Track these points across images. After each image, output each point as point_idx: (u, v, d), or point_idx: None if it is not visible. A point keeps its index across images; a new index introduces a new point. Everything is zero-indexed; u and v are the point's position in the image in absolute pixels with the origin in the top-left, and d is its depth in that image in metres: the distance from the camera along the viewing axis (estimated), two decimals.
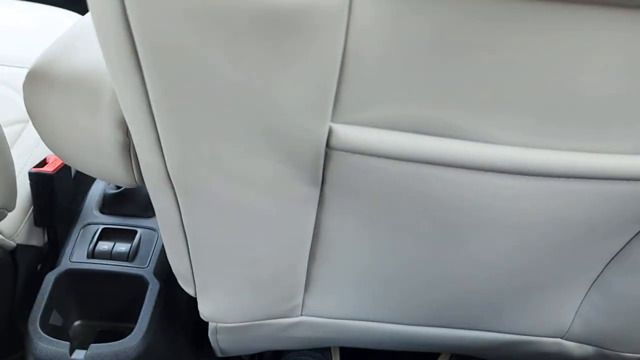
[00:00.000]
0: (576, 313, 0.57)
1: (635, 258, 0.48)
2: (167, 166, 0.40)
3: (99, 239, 0.66)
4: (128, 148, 0.42)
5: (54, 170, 0.63)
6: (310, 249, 0.50)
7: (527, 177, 0.37)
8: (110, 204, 0.69)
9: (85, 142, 0.42)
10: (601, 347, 0.60)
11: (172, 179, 0.41)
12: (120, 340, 0.58)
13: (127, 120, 0.37)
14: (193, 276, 0.52)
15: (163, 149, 0.38)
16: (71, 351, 0.57)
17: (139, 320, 0.59)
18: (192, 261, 0.50)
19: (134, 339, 0.58)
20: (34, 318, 0.59)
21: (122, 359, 0.57)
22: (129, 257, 0.64)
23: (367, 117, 0.34)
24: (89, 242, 0.65)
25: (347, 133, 0.35)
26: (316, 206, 0.45)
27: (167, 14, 0.28)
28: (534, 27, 0.29)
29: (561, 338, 0.60)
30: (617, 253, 0.49)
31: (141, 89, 0.33)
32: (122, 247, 0.65)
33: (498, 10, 0.28)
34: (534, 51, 0.30)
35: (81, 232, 0.67)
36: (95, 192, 0.71)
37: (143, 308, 0.60)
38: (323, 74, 0.30)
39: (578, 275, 0.52)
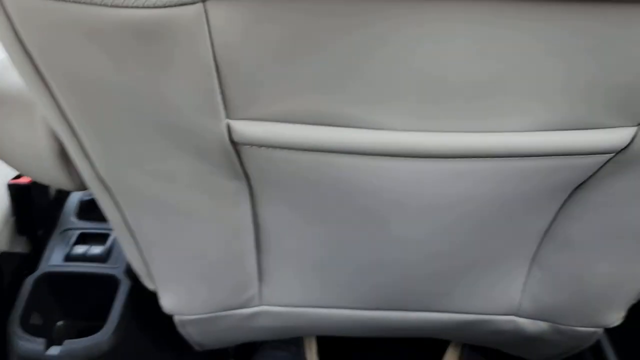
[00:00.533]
0: (523, 290, 0.58)
1: (565, 233, 0.50)
2: (96, 170, 0.44)
3: (75, 243, 0.70)
4: (65, 155, 0.45)
5: (30, 181, 0.68)
6: (255, 239, 0.53)
7: (423, 159, 0.39)
8: (86, 210, 0.74)
9: (28, 151, 0.46)
10: (554, 322, 0.61)
11: (104, 181, 0.45)
12: (92, 336, 0.62)
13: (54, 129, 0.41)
14: (149, 271, 0.56)
15: (88, 154, 0.42)
16: (47, 347, 0.61)
17: (109, 317, 0.63)
18: (144, 257, 0.54)
19: (105, 334, 0.62)
20: (14, 319, 0.63)
21: (94, 353, 0.61)
22: (102, 258, 0.68)
23: (260, 113, 0.37)
24: (65, 246, 0.69)
25: (245, 128, 0.38)
26: (249, 199, 0.48)
27: (52, 36, 0.31)
28: (386, 19, 0.31)
29: (514, 315, 0.61)
30: (548, 229, 0.51)
31: (53, 103, 0.37)
32: (97, 249, 0.69)
33: (347, 7, 0.31)
34: (392, 42, 0.32)
35: (59, 237, 0.71)
36: (73, 200, 0.76)
37: (114, 305, 0.64)
38: (201, 76, 0.33)
39: (515, 253, 0.54)
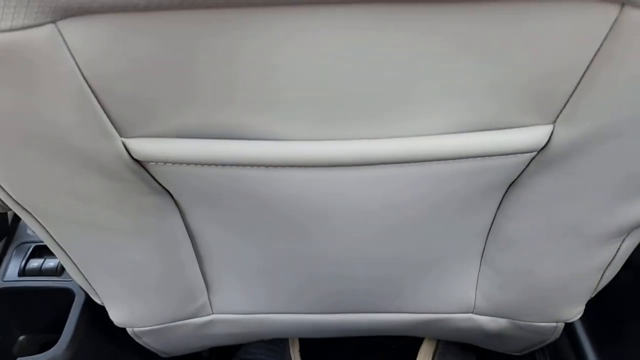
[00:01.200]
0: (476, 288, 0.57)
1: (506, 232, 0.48)
2: (11, 195, 0.42)
3: (30, 256, 0.69)
4: None
5: None
6: (195, 251, 0.52)
7: (333, 168, 0.38)
8: None
9: None
10: (512, 319, 0.59)
11: (22, 205, 0.44)
12: (46, 351, 0.61)
13: None
14: (92, 286, 0.55)
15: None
16: None
17: (63, 331, 0.62)
18: (82, 273, 0.53)
19: (58, 350, 0.61)
20: None
21: None
22: (57, 271, 0.67)
23: (155, 129, 0.36)
24: (21, 260, 0.69)
25: (143, 146, 0.36)
26: (177, 212, 0.47)
27: None
28: (254, 22, 0.29)
29: (471, 313, 0.60)
30: (490, 230, 0.49)
31: None
32: (51, 262, 0.68)
33: (211, 14, 0.29)
34: (267, 48, 0.30)
35: (14, 251, 0.70)
36: None
37: (68, 319, 0.63)
38: (76, 97, 0.32)
39: (461, 253, 0.52)
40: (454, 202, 0.43)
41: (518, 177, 0.41)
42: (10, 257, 0.70)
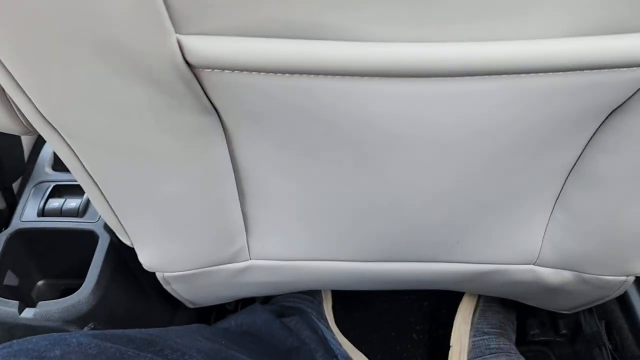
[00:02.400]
0: (544, 236, 0.52)
1: (594, 170, 0.43)
2: (39, 109, 0.37)
3: (50, 196, 0.64)
4: (3, 93, 0.39)
5: None
6: (237, 185, 0.46)
7: (422, 79, 0.32)
8: (61, 160, 0.67)
9: None
10: (578, 271, 0.54)
11: (50, 122, 0.38)
12: (69, 296, 0.56)
13: None
14: (122, 225, 0.50)
15: (24, 90, 0.35)
16: (20, 310, 0.56)
17: (87, 275, 0.58)
18: (113, 209, 0.48)
19: (82, 294, 0.56)
20: None
21: (72, 314, 0.56)
22: (79, 212, 0.62)
23: (218, 25, 0.30)
24: (39, 200, 0.64)
25: (201, 46, 0.30)
26: (223, 137, 0.41)
27: None
28: None
29: (533, 264, 0.55)
30: (574, 165, 0.43)
31: None
32: (73, 202, 0.63)
33: None
34: None
35: (33, 190, 0.65)
36: (48, 149, 0.70)
37: (92, 262, 0.59)
38: None
39: (536, 194, 0.47)
40: (545, 129, 0.38)
41: (628, 100, 0.35)
42: (28, 196, 0.65)
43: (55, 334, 0.36)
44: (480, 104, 0.34)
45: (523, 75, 0.32)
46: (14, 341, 0.34)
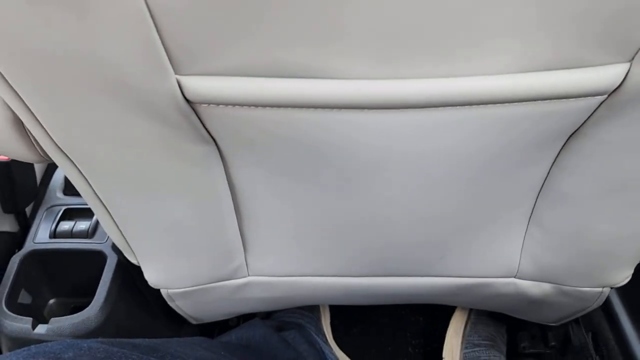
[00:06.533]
0: (522, 251, 0.55)
1: (560, 188, 0.47)
2: (53, 139, 0.41)
3: (61, 219, 0.68)
4: (21, 124, 0.43)
5: (9, 158, 0.66)
6: (235, 207, 0.50)
7: (396, 111, 0.36)
8: (71, 185, 0.71)
9: None
10: (557, 284, 0.58)
11: (63, 151, 0.42)
12: (79, 312, 0.60)
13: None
14: (129, 245, 0.54)
15: (41, 123, 0.39)
16: (34, 326, 0.59)
17: (97, 293, 0.61)
18: (121, 230, 0.52)
19: (91, 311, 0.60)
20: (1, 298, 0.62)
21: (82, 330, 0.59)
22: (88, 234, 0.66)
23: (213, 66, 0.34)
24: (51, 223, 0.68)
25: (198, 85, 0.35)
26: (221, 164, 0.45)
27: None
28: None
29: (514, 277, 0.58)
30: (543, 185, 0.47)
31: None
32: (82, 225, 0.67)
33: None
34: None
35: (45, 214, 0.69)
36: (59, 175, 0.74)
37: (101, 281, 0.62)
38: (134, 24, 0.30)
39: (510, 211, 0.50)
40: (513, 152, 0.42)
41: (582, 125, 0.39)
42: (41, 220, 0.69)
43: (67, 339, 0.40)
44: (447, 133, 0.38)
45: (488, 105, 0.36)
46: (32, 346, 0.38)
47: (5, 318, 0.60)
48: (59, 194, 0.72)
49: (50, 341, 0.57)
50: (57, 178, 0.74)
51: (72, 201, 0.71)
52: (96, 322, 0.60)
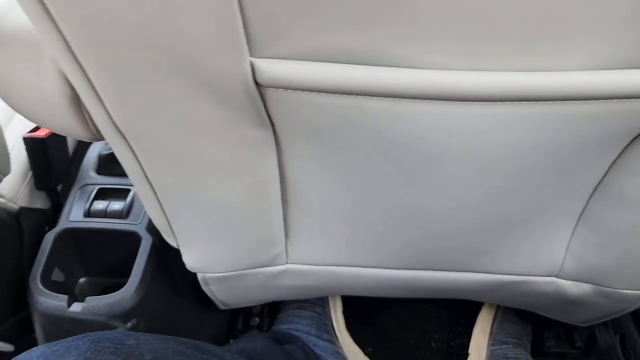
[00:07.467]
0: (567, 250, 0.54)
1: (618, 190, 0.46)
2: (112, 116, 0.40)
3: (95, 198, 0.68)
4: (78, 101, 0.42)
5: (46, 135, 0.65)
6: (282, 195, 0.50)
7: (466, 104, 0.35)
8: (105, 165, 0.71)
9: (38, 96, 0.42)
10: (598, 285, 0.57)
11: (120, 129, 0.42)
12: (115, 293, 0.60)
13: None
14: (171, 227, 0.53)
15: (102, 99, 0.39)
16: (69, 304, 0.59)
17: (132, 274, 0.61)
18: (165, 213, 0.51)
19: (127, 292, 0.60)
20: (35, 275, 0.62)
21: (117, 310, 0.59)
22: (122, 214, 0.66)
23: (287, 50, 0.33)
24: (85, 202, 0.67)
25: (272, 68, 0.34)
26: (275, 151, 0.44)
27: None
28: None
29: (555, 277, 0.58)
30: (599, 185, 0.47)
31: (63, 43, 0.34)
32: (117, 205, 0.66)
33: None
34: None
35: (79, 193, 0.69)
36: (92, 154, 0.73)
37: (136, 262, 0.62)
38: (219, 3, 0.29)
39: (561, 209, 0.50)
40: (575, 150, 0.41)
41: None
42: (75, 199, 0.68)
43: (122, 330, 0.40)
44: (517, 127, 0.37)
45: (561, 102, 0.35)
46: (90, 334, 0.37)
47: (41, 295, 0.60)
48: (92, 173, 0.71)
49: (87, 320, 0.57)
50: (90, 157, 0.73)
51: (105, 181, 0.70)
52: (131, 303, 0.60)
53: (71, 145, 0.77)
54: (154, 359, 0.36)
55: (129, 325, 0.60)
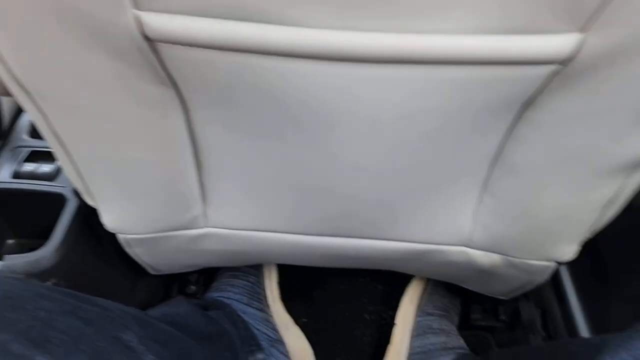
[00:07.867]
0: (474, 219, 0.56)
1: (512, 158, 0.48)
2: (11, 70, 0.41)
3: (25, 160, 0.68)
4: None
5: None
6: (194, 155, 0.51)
7: (349, 63, 0.37)
8: None
9: None
10: (506, 255, 0.59)
11: (21, 83, 0.42)
12: (34, 252, 0.60)
13: None
14: (87, 185, 0.54)
15: (1, 53, 0.39)
16: None
17: (53, 233, 0.62)
18: (80, 170, 0.52)
19: (46, 251, 0.60)
20: None
21: (36, 268, 0.60)
22: (51, 176, 0.66)
23: (177, 4, 0.34)
24: (15, 163, 0.67)
25: (158, 22, 0.35)
26: (182, 112, 0.45)
27: None
28: None
29: (465, 246, 0.60)
30: (501, 154, 0.48)
31: None
32: (46, 167, 0.67)
33: None
34: None
35: (10, 155, 0.69)
36: (26, 118, 0.73)
37: (59, 222, 0.63)
38: None
39: (465, 178, 0.52)
40: (466, 116, 0.42)
41: (538, 96, 0.40)
42: (4, 160, 0.68)
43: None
44: (399, 90, 0.39)
45: (437, 65, 0.37)
46: None
47: None
48: (26, 136, 0.71)
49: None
50: (25, 120, 0.73)
51: (38, 144, 0.70)
52: (50, 262, 0.60)
53: (9, 108, 0.77)
54: (4, 297, 0.37)
55: (49, 284, 0.60)
